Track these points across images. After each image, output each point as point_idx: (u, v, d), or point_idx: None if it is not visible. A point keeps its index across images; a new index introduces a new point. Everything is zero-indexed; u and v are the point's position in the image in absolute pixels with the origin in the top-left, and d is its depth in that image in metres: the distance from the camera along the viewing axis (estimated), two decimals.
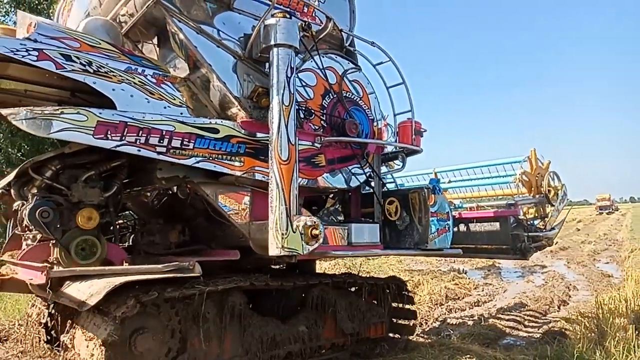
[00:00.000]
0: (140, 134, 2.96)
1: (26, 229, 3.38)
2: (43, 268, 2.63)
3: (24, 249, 3.64)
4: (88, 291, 2.85)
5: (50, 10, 14.70)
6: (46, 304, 4.12)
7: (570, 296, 8.75)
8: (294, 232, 3.18)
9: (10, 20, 14.62)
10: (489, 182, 6.92)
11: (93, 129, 2.79)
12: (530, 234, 5.66)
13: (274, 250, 3.17)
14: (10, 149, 14.17)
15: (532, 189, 6.32)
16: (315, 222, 3.30)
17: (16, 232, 3.51)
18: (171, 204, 4.29)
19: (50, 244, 3.12)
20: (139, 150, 2.96)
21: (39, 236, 3.25)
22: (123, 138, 2.90)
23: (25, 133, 15.00)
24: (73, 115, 2.75)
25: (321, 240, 3.32)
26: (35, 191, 3.10)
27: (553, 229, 6.11)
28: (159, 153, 3.03)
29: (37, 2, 14.74)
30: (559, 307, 7.68)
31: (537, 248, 5.80)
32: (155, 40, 4.01)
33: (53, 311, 4.02)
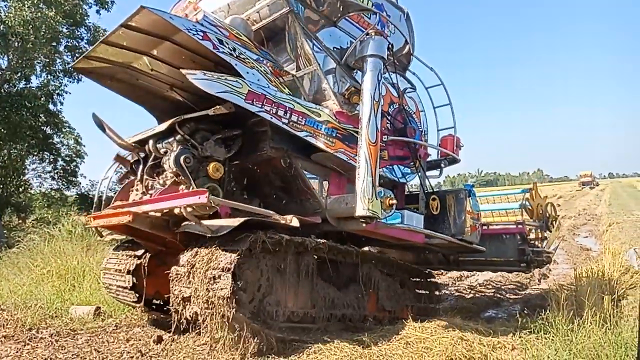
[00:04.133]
0: (272, 106, 3.81)
1: (156, 176, 4.06)
2: (204, 192, 3.31)
3: (134, 197, 4.31)
4: (218, 224, 3.55)
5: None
6: (128, 270, 4.62)
7: (550, 269, 8.92)
8: (376, 199, 3.99)
9: None
10: (495, 207, 7.94)
11: (245, 94, 3.63)
12: (534, 249, 6.60)
13: (360, 211, 3.94)
14: None
15: (534, 215, 7.37)
16: (391, 194, 4.15)
17: (146, 176, 4.15)
18: (250, 179, 5.01)
19: (181, 187, 3.81)
20: (272, 118, 3.79)
21: (168, 182, 3.93)
22: (262, 106, 3.74)
23: (1, 119, 15.34)
24: (233, 82, 3.60)
25: (394, 209, 4.14)
26: (176, 144, 3.83)
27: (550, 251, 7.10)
28: (283, 123, 3.88)
29: None
30: (539, 281, 8.08)
31: (538, 263, 6.70)
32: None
33: (134, 273, 4.56)
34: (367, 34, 4.47)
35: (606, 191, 46.25)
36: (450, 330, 4.26)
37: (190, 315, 3.70)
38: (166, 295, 4.03)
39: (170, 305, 3.77)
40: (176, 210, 3.77)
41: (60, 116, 18.31)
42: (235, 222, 3.48)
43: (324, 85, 4.38)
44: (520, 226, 6.71)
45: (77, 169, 18.88)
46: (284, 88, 4.27)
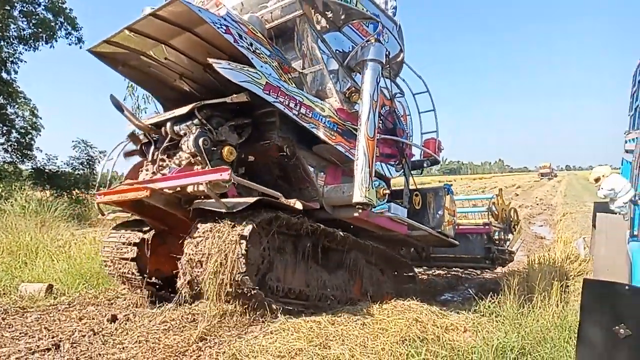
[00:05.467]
0: (285, 98, 4.42)
1: (167, 157, 4.54)
2: (226, 169, 3.85)
3: (144, 176, 4.76)
4: (234, 201, 4.10)
5: None
6: (133, 243, 5.02)
7: None
8: (372, 188, 4.68)
9: None
10: (464, 210, 8.92)
11: (263, 85, 4.22)
12: (499, 248, 7.58)
13: (358, 198, 4.60)
14: None
15: (499, 218, 8.38)
16: (384, 185, 4.86)
17: (161, 156, 4.60)
18: (250, 168, 5.57)
19: (196, 167, 4.32)
20: (284, 109, 4.39)
21: (184, 162, 4.42)
22: (277, 98, 4.34)
23: None
24: (253, 73, 4.17)
25: (386, 199, 4.85)
26: (195, 127, 4.33)
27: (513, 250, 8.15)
28: (294, 114, 4.48)
29: None
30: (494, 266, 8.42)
31: (502, 260, 7.69)
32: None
33: (139, 249, 4.98)
34: (368, 40, 5.17)
35: (563, 183, 49.18)
36: (406, 312, 4.53)
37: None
38: (174, 271, 4.46)
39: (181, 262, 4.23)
40: (189, 189, 4.29)
41: (14, 86, 17.85)
42: (251, 199, 4.06)
43: (329, 84, 5.02)
44: (487, 226, 7.67)
45: (32, 142, 18.50)
46: (291, 83, 4.88)
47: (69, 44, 21.41)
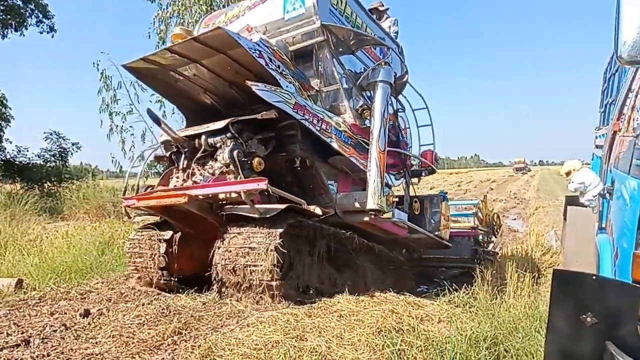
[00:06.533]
0: (310, 115, 5.14)
1: (202, 165, 5.17)
2: (263, 179, 4.52)
3: (174, 183, 5.38)
4: (265, 207, 4.79)
5: None
6: (159, 248, 5.59)
7: None
8: (383, 196, 5.45)
9: None
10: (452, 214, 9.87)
11: (293, 104, 4.92)
12: (484, 249, 8.55)
13: (371, 205, 5.36)
14: None
15: (483, 222, 9.38)
16: (393, 193, 5.65)
17: (194, 166, 5.22)
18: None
19: (228, 177, 4.97)
20: (309, 125, 5.10)
21: (217, 172, 5.06)
22: (303, 115, 5.05)
23: None
24: (284, 94, 4.87)
25: (394, 206, 5.65)
26: (229, 140, 4.97)
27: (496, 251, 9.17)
28: (316, 130, 5.21)
29: None
30: None
31: (487, 261, 8.66)
32: None
33: (165, 255, 5.55)
34: (379, 64, 5.95)
35: (536, 177, 51.27)
36: (382, 303, 4.69)
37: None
38: (196, 271, 5.04)
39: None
40: (221, 196, 4.95)
41: None
42: (281, 206, 4.76)
43: (344, 101, 5.77)
44: (474, 230, 8.62)
45: (1, 133, 18.39)
46: (311, 100, 5.59)
47: (40, 32, 21.30)
